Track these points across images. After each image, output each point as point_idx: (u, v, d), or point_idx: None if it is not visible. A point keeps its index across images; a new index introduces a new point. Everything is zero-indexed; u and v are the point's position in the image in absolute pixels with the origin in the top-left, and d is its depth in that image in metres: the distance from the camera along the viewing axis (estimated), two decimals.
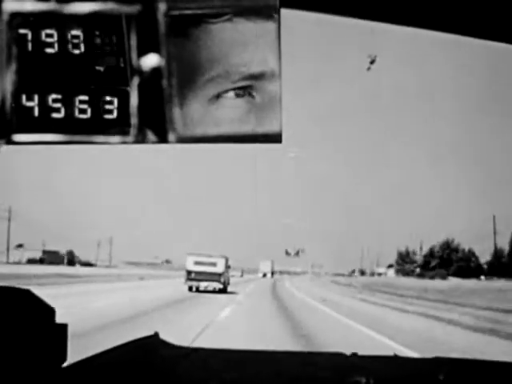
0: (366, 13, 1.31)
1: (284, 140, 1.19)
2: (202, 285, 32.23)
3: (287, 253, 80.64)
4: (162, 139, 1.16)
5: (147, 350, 1.66)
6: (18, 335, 1.13)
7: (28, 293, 1.21)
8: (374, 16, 1.32)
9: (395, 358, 1.82)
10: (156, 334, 1.77)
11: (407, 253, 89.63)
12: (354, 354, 1.73)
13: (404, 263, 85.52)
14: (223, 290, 32.46)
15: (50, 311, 1.23)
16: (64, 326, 1.26)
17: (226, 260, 33.64)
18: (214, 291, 31.77)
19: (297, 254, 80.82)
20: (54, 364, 1.23)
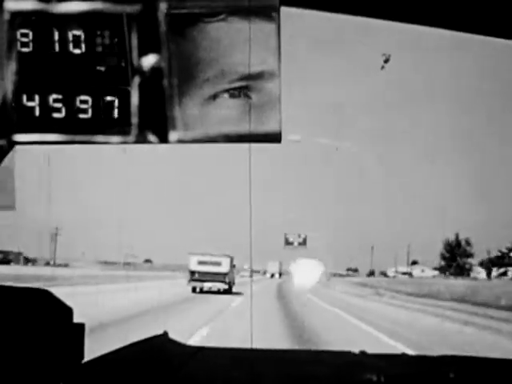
0: (366, 10, 1.36)
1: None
2: (206, 285, 32.31)
3: (288, 242, 57.96)
4: (163, 139, 1.22)
5: (157, 349, 1.73)
6: (37, 334, 1.21)
7: (47, 293, 1.28)
8: (373, 13, 1.37)
9: (403, 356, 1.87)
10: (165, 333, 1.84)
11: (458, 243, 64.47)
12: (363, 352, 1.78)
13: (457, 257, 63.53)
14: (228, 291, 32.54)
15: (68, 311, 1.30)
16: (81, 326, 1.33)
17: (231, 259, 33.67)
18: (218, 292, 31.86)
19: (303, 242, 58.60)
20: (72, 362, 1.30)
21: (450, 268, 64.91)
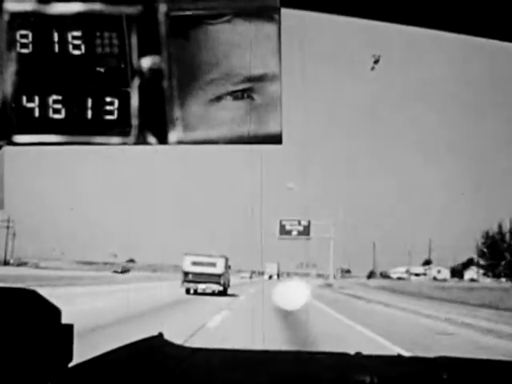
0: (367, 12, 1.40)
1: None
2: (200, 287, 32.31)
3: (284, 231, 43.94)
4: (163, 140, 1.26)
5: (152, 350, 1.77)
6: (24, 335, 1.23)
7: (34, 294, 1.30)
8: (375, 15, 1.41)
9: (398, 358, 1.92)
10: (160, 335, 1.88)
11: (502, 237, 48.90)
12: (358, 354, 1.83)
13: (505, 254, 48.35)
14: (223, 293, 32.54)
15: (56, 312, 1.33)
16: (70, 327, 1.35)
17: (226, 260, 33.65)
18: (213, 293, 31.86)
19: (305, 231, 44.14)
20: (60, 364, 1.32)
21: (492, 268, 50.38)
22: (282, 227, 46.12)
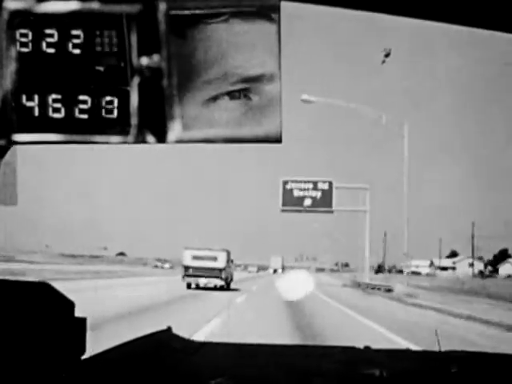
0: (368, 5, 1.43)
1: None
2: (202, 281, 32.35)
3: (292, 199, 30.26)
4: (162, 139, 1.29)
5: (160, 344, 1.82)
6: (38, 328, 1.29)
7: (48, 287, 1.36)
8: (377, 8, 1.43)
9: (408, 352, 1.96)
10: (169, 329, 1.94)
11: None
12: (367, 348, 1.88)
13: None
14: (225, 288, 32.58)
15: (70, 305, 1.39)
16: (83, 320, 1.42)
17: (228, 254, 33.61)
18: (214, 288, 31.91)
19: (324, 200, 29.84)
20: (74, 356, 1.38)
21: None
22: (288, 193, 30.70)
